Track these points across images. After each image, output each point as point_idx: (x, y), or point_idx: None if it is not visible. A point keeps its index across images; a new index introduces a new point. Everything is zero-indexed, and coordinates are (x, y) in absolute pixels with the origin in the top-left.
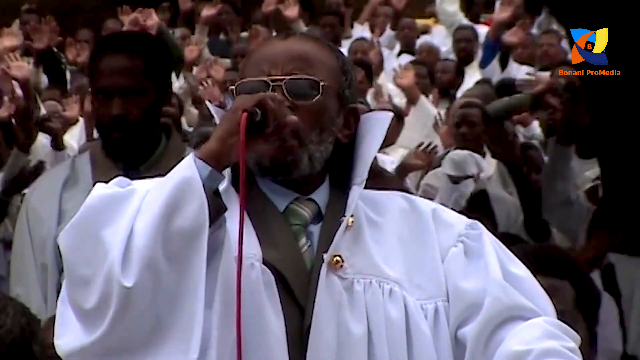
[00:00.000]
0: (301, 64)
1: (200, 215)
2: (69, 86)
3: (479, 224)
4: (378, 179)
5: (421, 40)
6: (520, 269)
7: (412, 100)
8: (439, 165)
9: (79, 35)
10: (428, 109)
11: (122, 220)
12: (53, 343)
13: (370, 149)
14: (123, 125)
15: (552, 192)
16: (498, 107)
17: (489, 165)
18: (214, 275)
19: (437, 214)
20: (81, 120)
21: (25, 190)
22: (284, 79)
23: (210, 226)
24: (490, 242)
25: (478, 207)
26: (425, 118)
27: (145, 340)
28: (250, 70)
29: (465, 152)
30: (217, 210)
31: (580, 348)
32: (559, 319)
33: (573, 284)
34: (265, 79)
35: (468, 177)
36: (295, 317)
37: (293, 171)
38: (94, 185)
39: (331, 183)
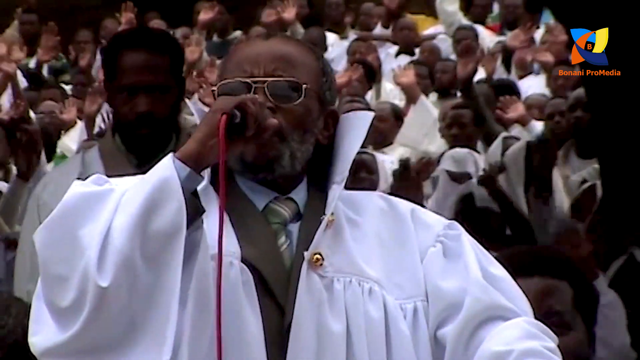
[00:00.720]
0: (283, 64)
1: (178, 217)
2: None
3: (457, 224)
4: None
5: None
6: (498, 270)
7: (412, 99)
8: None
9: (79, 36)
10: (428, 108)
11: (99, 219)
12: None
13: (351, 148)
14: (150, 122)
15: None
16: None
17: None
18: (189, 275)
19: (415, 214)
20: (79, 122)
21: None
22: (266, 80)
23: (187, 227)
24: (469, 243)
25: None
26: (425, 117)
27: (119, 340)
28: (232, 70)
29: (465, 150)
30: (195, 211)
31: (578, 348)
32: (557, 319)
33: (572, 284)
34: (247, 79)
35: (467, 175)
36: (274, 315)
37: (275, 168)
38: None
39: (309, 183)
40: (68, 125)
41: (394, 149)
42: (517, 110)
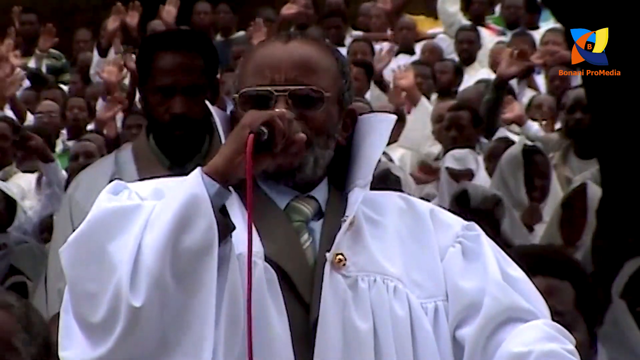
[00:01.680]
0: (305, 70)
1: (209, 234)
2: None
3: (476, 225)
4: None
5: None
6: (516, 271)
7: (412, 102)
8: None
9: (78, 35)
10: (428, 110)
11: (129, 236)
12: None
13: (373, 151)
14: (185, 123)
15: None
16: (482, 108)
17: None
18: (221, 291)
19: (434, 214)
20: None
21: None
22: (287, 89)
23: (218, 244)
24: (487, 244)
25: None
26: (426, 119)
27: (151, 355)
28: (252, 75)
29: (466, 149)
30: (224, 228)
31: (580, 349)
32: (558, 319)
33: (574, 285)
34: (269, 88)
35: (469, 171)
36: (299, 313)
37: (297, 175)
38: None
39: (329, 182)
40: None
41: (394, 149)
42: (513, 110)
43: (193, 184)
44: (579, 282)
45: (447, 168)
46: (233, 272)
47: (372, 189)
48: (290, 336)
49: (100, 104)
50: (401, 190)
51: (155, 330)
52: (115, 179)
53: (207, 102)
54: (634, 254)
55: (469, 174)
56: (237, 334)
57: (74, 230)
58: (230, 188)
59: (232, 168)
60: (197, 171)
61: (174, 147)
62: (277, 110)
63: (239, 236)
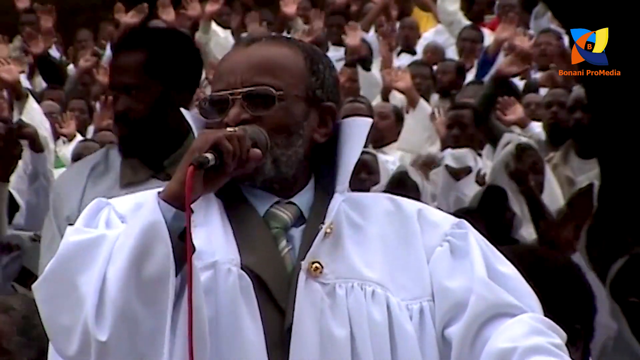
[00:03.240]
0: (260, 71)
1: (166, 261)
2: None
3: (466, 222)
4: None
5: (424, 39)
6: (507, 267)
7: (410, 103)
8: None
9: (79, 35)
10: (427, 111)
11: (94, 269)
12: None
13: (350, 157)
14: (128, 122)
15: None
16: (478, 102)
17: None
18: (178, 312)
19: (422, 215)
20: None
21: None
22: (241, 92)
23: (178, 267)
24: (476, 241)
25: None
26: (425, 120)
27: None
28: (214, 82)
29: (465, 148)
30: (183, 251)
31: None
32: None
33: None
34: (222, 93)
35: (468, 169)
36: (274, 318)
37: (256, 177)
38: (121, 179)
39: (317, 186)
40: (69, 139)
41: (393, 149)
42: (516, 112)
43: (150, 211)
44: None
45: (446, 166)
46: (198, 289)
47: (385, 192)
48: (265, 342)
49: (98, 107)
50: (418, 197)
51: (129, 356)
52: (96, 168)
53: (184, 110)
54: (626, 252)
55: (467, 171)
56: (204, 349)
57: (54, 216)
58: (191, 207)
59: (184, 191)
60: (154, 197)
61: (122, 146)
62: (226, 130)
63: (216, 243)
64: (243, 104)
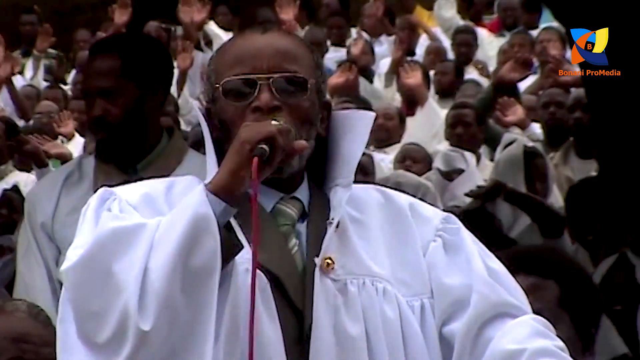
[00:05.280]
0: (286, 58)
1: (214, 255)
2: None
3: (454, 217)
4: None
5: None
6: (496, 264)
7: (419, 101)
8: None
9: (78, 35)
10: (435, 110)
11: (135, 257)
12: None
13: (354, 149)
14: (104, 126)
15: None
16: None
17: (485, 167)
18: (222, 308)
19: (414, 208)
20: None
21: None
22: (271, 76)
23: (224, 263)
24: (468, 237)
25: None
26: (433, 119)
27: None
28: (231, 66)
29: (456, 149)
30: (230, 245)
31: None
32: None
33: (559, 283)
34: (251, 76)
35: (458, 170)
36: (292, 321)
37: (285, 169)
38: (94, 185)
39: (310, 180)
40: (68, 138)
41: (396, 148)
42: (516, 113)
43: (198, 203)
44: (564, 281)
45: (437, 169)
46: (236, 286)
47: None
48: (283, 343)
49: None
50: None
51: (162, 350)
52: (70, 177)
53: (197, 108)
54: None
55: (459, 173)
56: (236, 347)
57: (29, 225)
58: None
59: (236, 184)
60: (201, 189)
61: (99, 150)
62: (274, 122)
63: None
64: (272, 90)
